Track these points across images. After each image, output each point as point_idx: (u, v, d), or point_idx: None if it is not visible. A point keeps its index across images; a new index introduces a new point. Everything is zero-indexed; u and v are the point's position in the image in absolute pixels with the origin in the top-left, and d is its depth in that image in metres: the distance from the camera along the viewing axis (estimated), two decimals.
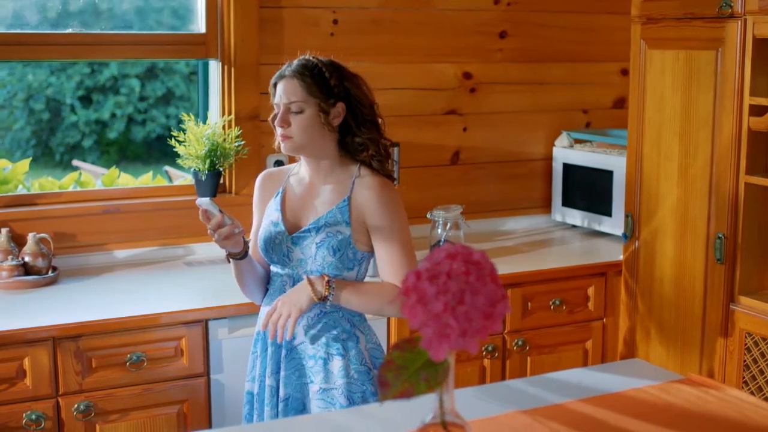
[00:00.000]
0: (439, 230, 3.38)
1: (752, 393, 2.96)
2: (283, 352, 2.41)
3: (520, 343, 3.38)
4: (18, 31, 3.31)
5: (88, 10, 3.56)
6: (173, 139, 3.43)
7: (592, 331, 3.53)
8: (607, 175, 3.78)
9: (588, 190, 3.92)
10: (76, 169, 6.03)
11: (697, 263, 3.15)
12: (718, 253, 3.05)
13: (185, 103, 7.29)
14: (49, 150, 7.31)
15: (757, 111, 2.93)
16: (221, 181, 3.54)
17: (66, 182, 3.66)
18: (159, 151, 7.18)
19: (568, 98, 4.15)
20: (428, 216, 3.43)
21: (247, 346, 2.54)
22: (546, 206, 4.16)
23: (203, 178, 3.41)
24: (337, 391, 2.36)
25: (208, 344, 2.89)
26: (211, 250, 3.42)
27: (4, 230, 3.13)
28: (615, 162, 3.74)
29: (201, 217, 2.32)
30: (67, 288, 3.08)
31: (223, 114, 3.53)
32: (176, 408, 2.87)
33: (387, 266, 2.37)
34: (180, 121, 3.46)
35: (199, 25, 3.52)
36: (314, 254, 2.36)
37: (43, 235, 3.17)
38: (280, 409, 2.40)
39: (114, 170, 3.82)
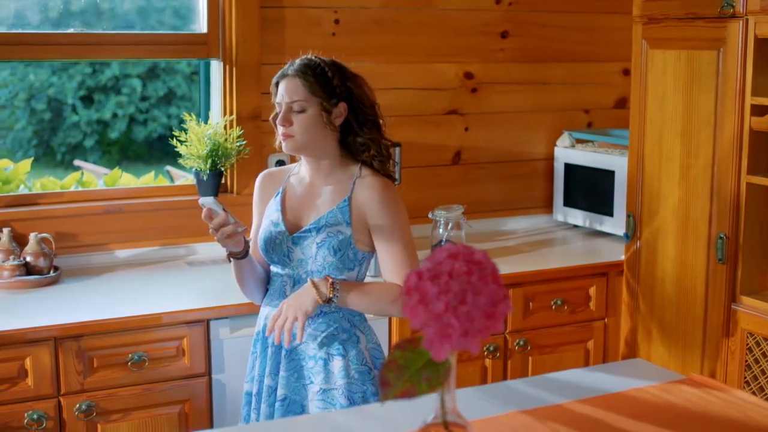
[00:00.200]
0: (441, 230, 3.38)
1: (754, 393, 2.96)
2: (283, 352, 2.40)
3: (521, 343, 3.38)
4: (20, 31, 3.32)
5: (90, 10, 3.56)
6: (175, 139, 3.43)
7: (594, 331, 3.53)
8: (608, 175, 3.78)
9: (589, 190, 3.92)
10: (77, 169, 6.04)
11: (699, 263, 3.15)
12: (719, 253, 3.05)
13: (187, 102, 7.29)
14: (51, 150, 7.32)
15: (758, 111, 2.93)
16: (223, 181, 3.54)
17: (68, 182, 3.66)
18: (160, 150, 7.19)
19: (570, 98, 4.15)
20: (430, 216, 3.43)
21: (249, 346, 2.54)
22: (547, 206, 4.16)
23: (205, 178, 3.41)
24: (337, 392, 2.36)
25: (209, 344, 2.90)
26: (213, 250, 3.42)
27: (5, 230, 3.13)
28: (616, 162, 3.74)
29: (204, 216, 2.31)
30: (68, 288, 3.08)
31: (225, 114, 3.53)
32: (177, 408, 2.87)
33: (389, 266, 2.37)
34: (181, 121, 3.46)
35: (201, 25, 3.52)
36: (315, 254, 2.36)
37: (44, 234, 3.17)
38: (276, 407, 2.39)
39: (117, 171, 3.82)
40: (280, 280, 2.43)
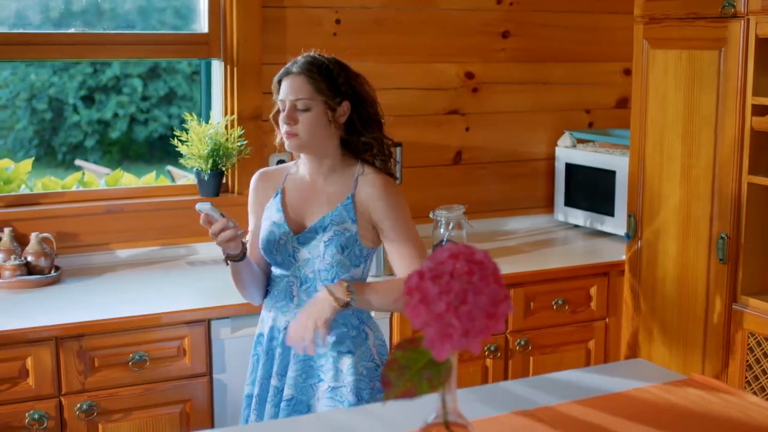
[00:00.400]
0: (442, 230, 3.38)
1: (755, 393, 2.96)
2: (293, 353, 2.39)
3: (522, 343, 3.38)
4: (21, 30, 3.32)
5: (91, 10, 3.56)
6: (176, 139, 3.43)
7: (595, 331, 3.53)
8: (609, 175, 3.78)
9: (590, 190, 3.92)
10: (78, 168, 6.04)
11: (700, 263, 3.15)
12: (720, 253, 3.05)
13: (188, 102, 7.29)
14: (52, 150, 7.32)
15: (759, 111, 2.93)
16: (224, 181, 3.54)
17: (69, 182, 3.66)
18: (161, 150, 7.18)
19: (571, 98, 4.15)
20: (431, 216, 3.43)
21: (250, 346, 2.54)
22: (548, 206, 4.16)
23: (206, 178, 3.41)
24: (345, 389, 2.35)
25: (210, 344, 2.90)
26: (213, 250, 3.40)
27: (6, 230, 3.13)
28: (618, 162, 3.74)
29: (202, 222, 2.30)
30: (69, 288, 3.08)
31: (226, 114, 3.53)
32: (178, 408, 2.87)
33: (399, 261, 2.37)
34: (182, 121, 3.46)
35: (202, 25, 3.52)
36: (322, 253, 2.35)
37: (45, 234, 3.17)
38: (282, 407, 2.39)
39: (119, 172, 3.82)
40: (286, 281, 2.42)
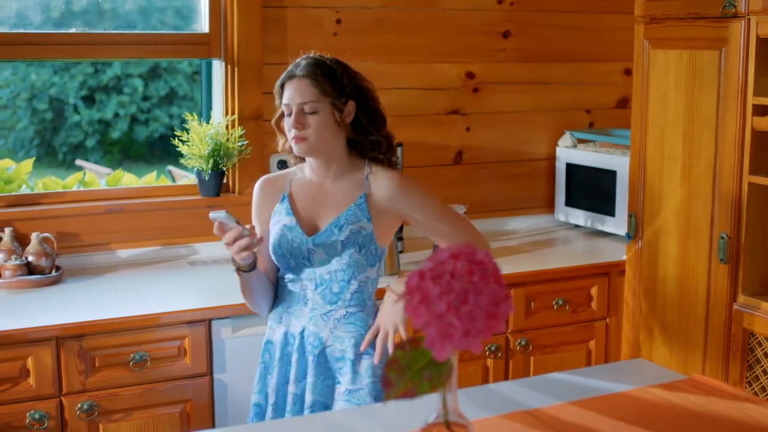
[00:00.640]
0: None
1: (756, 393, 2.96)
2: (311, 357, 2.36)
3: (523, 342, 3.38)
4: (21, 30, 3.32)
5: (92, 10, 3.56)
6: (176, 139, 3.43)
7: (595, 331, 3.53)
8: (610, 175, 3.78)
9: (591, 190, 3.92)
10: (79, 168, 6.04)
11: (701, 263, 3.15)
12: (721, 253, 3.05)
13: (188, 102, 7.29)
14: (53, 150, 7.32)
15: (760, 111, 2.92)
16: (224, 181, 3.54)
17: (70, 182, 3.66)
18: (162, 150, 7.19)
19: (571, 98, 4.15)
20: None
21: (251, 346, 2.53)
22: (549, 206, 4.16)
23: (206, 178, 3.41)
24: (363, 391, 2.33)
25: (211, 344, 2.89)
26: (214, 250, 3.42)
27: (7, 230, 3.14)
28: (618, 162, 3.74)
29: (216, 230, 2.24)
30: (70, 287, 3.08)
31: (227, 114, 3.53)
32: (179, 408, 2.87)
33: (455, 240, 2.40)
34: (183, 121, 3.46)
35: (203, 25, 3.52)
36: (340, 252, 2.33)
37: (46, 234, 3.18)
38: (304, 415, 2.34)
39: (119, 172, 3.82)
40: (299, 285, 2.39)
